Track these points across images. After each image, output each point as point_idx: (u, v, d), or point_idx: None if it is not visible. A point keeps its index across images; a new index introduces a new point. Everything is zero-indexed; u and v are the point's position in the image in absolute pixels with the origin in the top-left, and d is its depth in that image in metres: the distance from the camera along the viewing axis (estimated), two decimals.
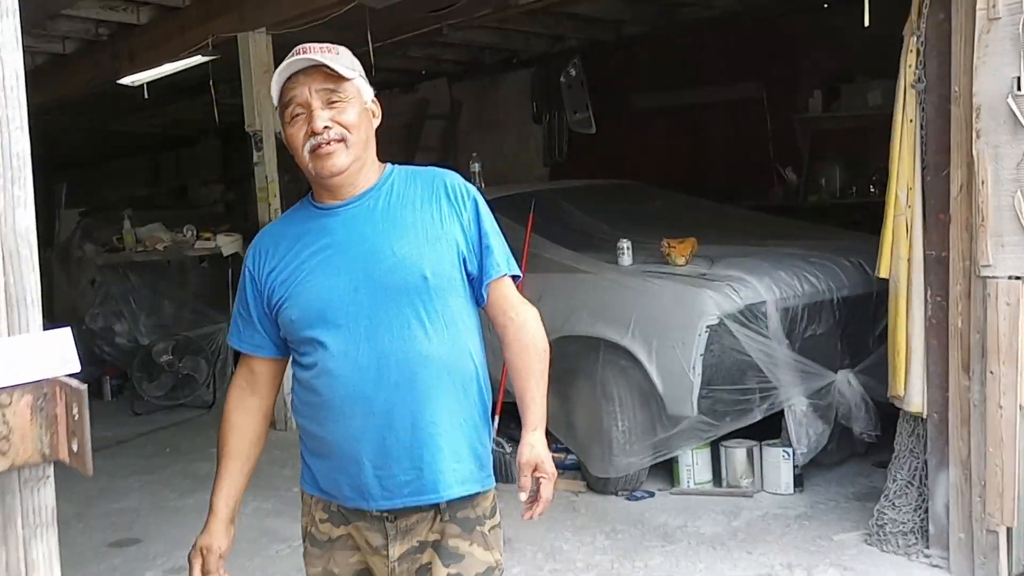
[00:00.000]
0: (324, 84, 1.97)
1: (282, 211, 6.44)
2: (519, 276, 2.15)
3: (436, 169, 2.15)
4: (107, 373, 8.03)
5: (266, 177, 6.41)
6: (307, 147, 1.98)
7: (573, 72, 9.01)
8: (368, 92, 2.06)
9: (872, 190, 7.07)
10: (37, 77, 8.42)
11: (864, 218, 6.37)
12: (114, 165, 15.48)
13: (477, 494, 2.06)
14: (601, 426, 4.76)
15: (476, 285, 2.08)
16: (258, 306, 2.09)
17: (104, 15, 7.00)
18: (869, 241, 4.65)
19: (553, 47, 9.20)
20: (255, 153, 6.45)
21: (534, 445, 2.03)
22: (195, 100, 9.19)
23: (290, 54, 2.01)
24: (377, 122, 2.10)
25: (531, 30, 8.50)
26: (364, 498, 2.01)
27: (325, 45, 2.02)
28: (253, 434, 2.14)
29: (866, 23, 4.01)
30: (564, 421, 5.05)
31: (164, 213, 9.25)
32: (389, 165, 2.12)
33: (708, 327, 4.38)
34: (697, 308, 4.43)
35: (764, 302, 4.51)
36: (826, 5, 7.39)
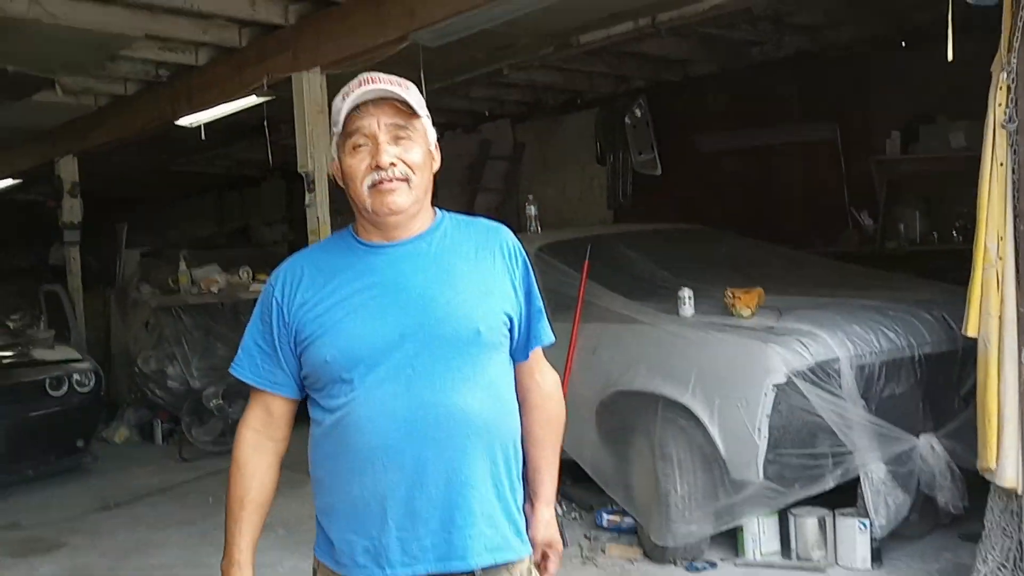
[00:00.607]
0: (394, 118, 1.87)
1: None
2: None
3: (489, 222, 2.08)
4: (159, 417, 7.95)
5: (318, 219, 6.26)
6: (368, 181, 1.87)
7: (638, 112, 8.81)
8: (432, 134, 1.97)
9: (955, 236, 6.69)
10: (101, 118, 8.51)
11: (947, 266, 6.01)
12: (181, 205, 15.66)
13: (511, 561, 1.95)
14: (659, 489, 4.44)
15: (517, 346, 2.01)
16: (283, 339, 1.94)
17: (163, 56, 7.01)
18: (953, 292, 4.31)
19: (618, 87, 9.00)
20: (307, 195, 6.32)
21: (550, 523, 2.11)
22: (258, 140, 9.17)
23: (357, 80, 1.90)
24: (436, 166, 1.99)
25: (595, 70, 8.33)
26: (380, 565, 1.86)
27: (393, 77, 1.91)
28: (272, 483, 2.01)
29: (950, 57, 3.68)
30: (621, 482, 4.75)
31: (222, 254, 9.20)
32: (439, 211, 2.02)
33: (775, 385, 4.04)
34: (762, 364, 4.10)
35: (837, 359, 4.15)
36: (904, 43, 7.06)
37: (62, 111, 8.43)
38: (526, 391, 2.07)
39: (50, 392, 6.65)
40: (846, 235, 7.52)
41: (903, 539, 4.42)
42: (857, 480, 4.18)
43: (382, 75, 1.90)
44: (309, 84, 6.18)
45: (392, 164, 1.85)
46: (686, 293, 4.69)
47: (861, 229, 7.47)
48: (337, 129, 1.89)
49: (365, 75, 1.90)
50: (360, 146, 1.87)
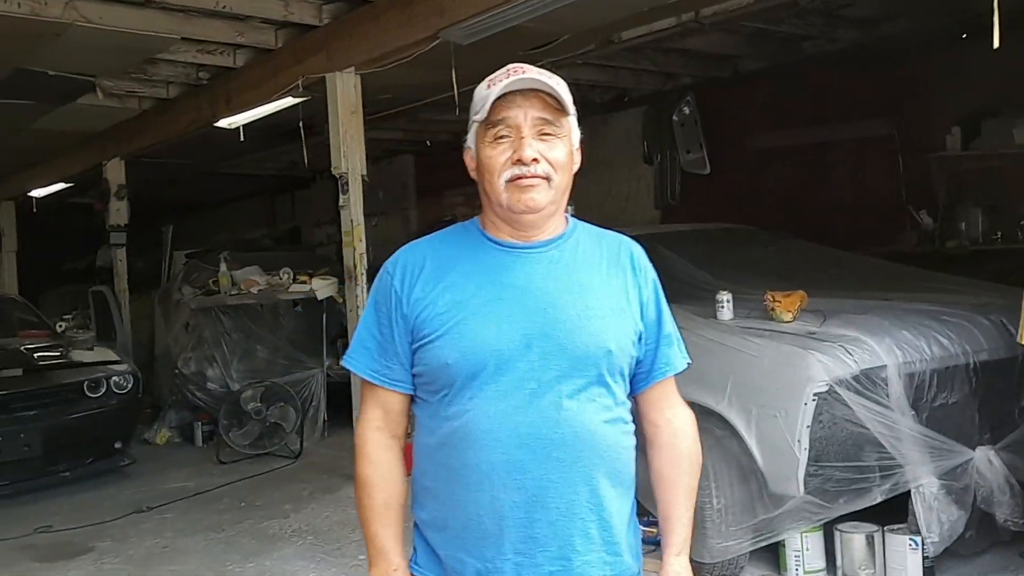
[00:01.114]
0: (542, 113, 1.77)
1: (367, 256, 6.17)
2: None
3: (620, 235, 1.97)
4: (199, 418, 7.92)
5: (351, 221, 6.17)
6: (506, 175, 1.77)
7: (687, 110, 8.60)
8: (577, 134, 1.88)
9: (1020, 236, 6.39)
10: (145, 121, 8.56)
11: (1011, 268, 5.72)
12: (232, 208, 15.78)
13: None
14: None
15: (641, 371, 1.90)
16: (400, 331, 1.82)
17: (202, 59, 7.01)
18: (1014, 295, 4.04)
19: (665, 84, 8.81)
20: (341, 196, 6.23)
21: (680, 573, 1.92)
22: (306, 142, 9.13)
23: (506, 70, 1.79)
24: (577, 167, 1.88)
25: (641, 67, 8.16)
26: None
27: (544, 71, 1.80)
28: (404, 483, 1.89)
29: (995, 44, 3.42)
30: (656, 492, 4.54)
31: (265, 255, 9.16)
32: (571, 218, 1.92)
33: (815, 394, 3.79)
34: (802, 372, 3.85)
35: (884, 366, 3.89)
36: (965, 36, 6.73)
37: (108, 115, 8.51)
38: (655, 427, 1.94)
39: (88, 394, 6.65)
40: (904, 235, 7.22)
41: (958, 558, 4.16)
42: (908, 495, 3.92)
43: (532, 67, 1.78)
44: (343, 84, 6.11)
45: (535, 160, 1.75)
46: (724, 296, 4.47)
47: (920, 229, 7.18)
48: (479, 117, 1.78)
49: (515, 65, 1.79)
50: (502, 137, 1.77)
